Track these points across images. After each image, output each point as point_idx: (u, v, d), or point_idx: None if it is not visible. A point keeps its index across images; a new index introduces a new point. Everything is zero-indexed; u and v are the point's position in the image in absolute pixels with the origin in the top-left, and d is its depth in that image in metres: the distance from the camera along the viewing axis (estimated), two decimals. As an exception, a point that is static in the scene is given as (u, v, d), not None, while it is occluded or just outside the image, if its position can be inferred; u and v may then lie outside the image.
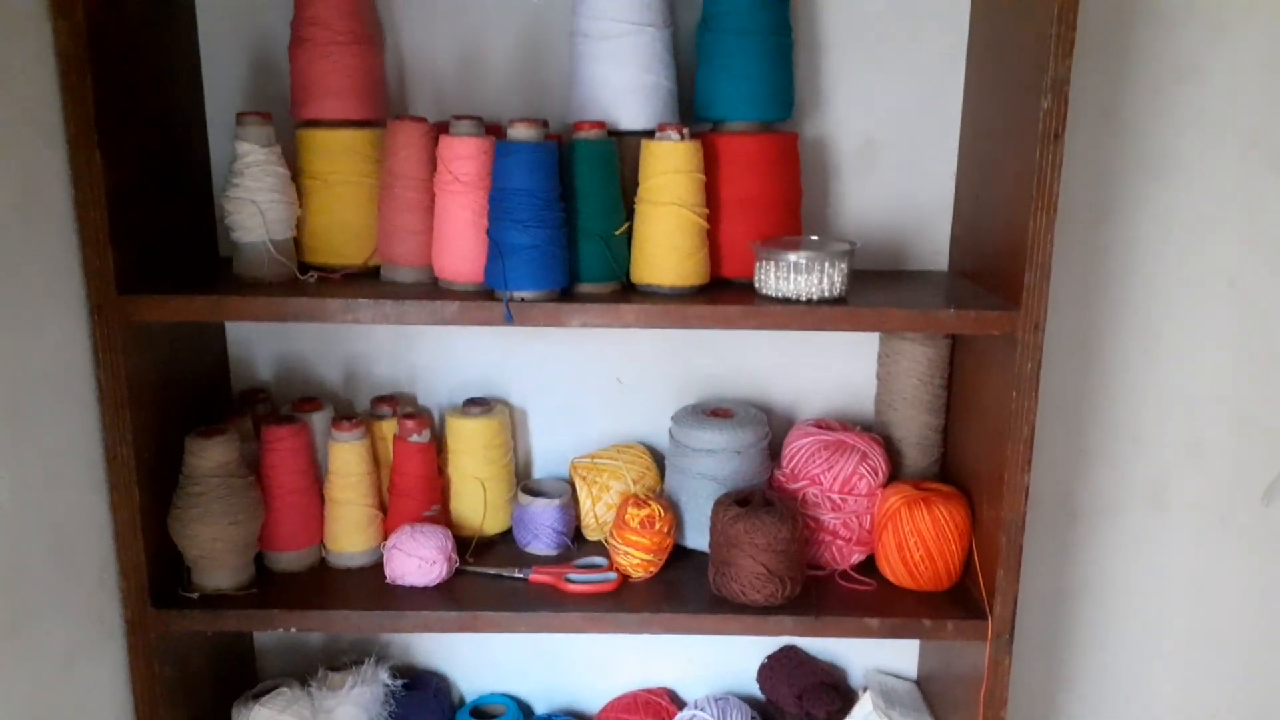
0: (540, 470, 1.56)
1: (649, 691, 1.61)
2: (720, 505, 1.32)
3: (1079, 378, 1.54)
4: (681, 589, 1.35)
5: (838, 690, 1.53)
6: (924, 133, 1.42)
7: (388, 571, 1.34)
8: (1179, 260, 1.49)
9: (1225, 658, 1.65)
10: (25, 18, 1.07)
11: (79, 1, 1.09)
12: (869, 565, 1.40)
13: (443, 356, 1.51)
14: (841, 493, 1.38)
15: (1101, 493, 1.59)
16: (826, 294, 1.22)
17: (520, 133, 1.18)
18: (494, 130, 1.26)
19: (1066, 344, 1.52)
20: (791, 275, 1.22)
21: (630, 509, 1.35)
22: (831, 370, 1.52)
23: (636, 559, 1.35)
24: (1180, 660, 1.66)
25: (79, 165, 1.13)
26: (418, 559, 1.32)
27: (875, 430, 1.47)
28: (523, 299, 1.19)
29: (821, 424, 1.45)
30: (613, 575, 1.35)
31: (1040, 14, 1.12)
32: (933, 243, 1.47)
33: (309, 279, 1.27)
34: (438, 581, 1.33)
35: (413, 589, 1.33)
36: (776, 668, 1.56)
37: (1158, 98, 1.43)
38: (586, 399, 1.53)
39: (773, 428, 1.47)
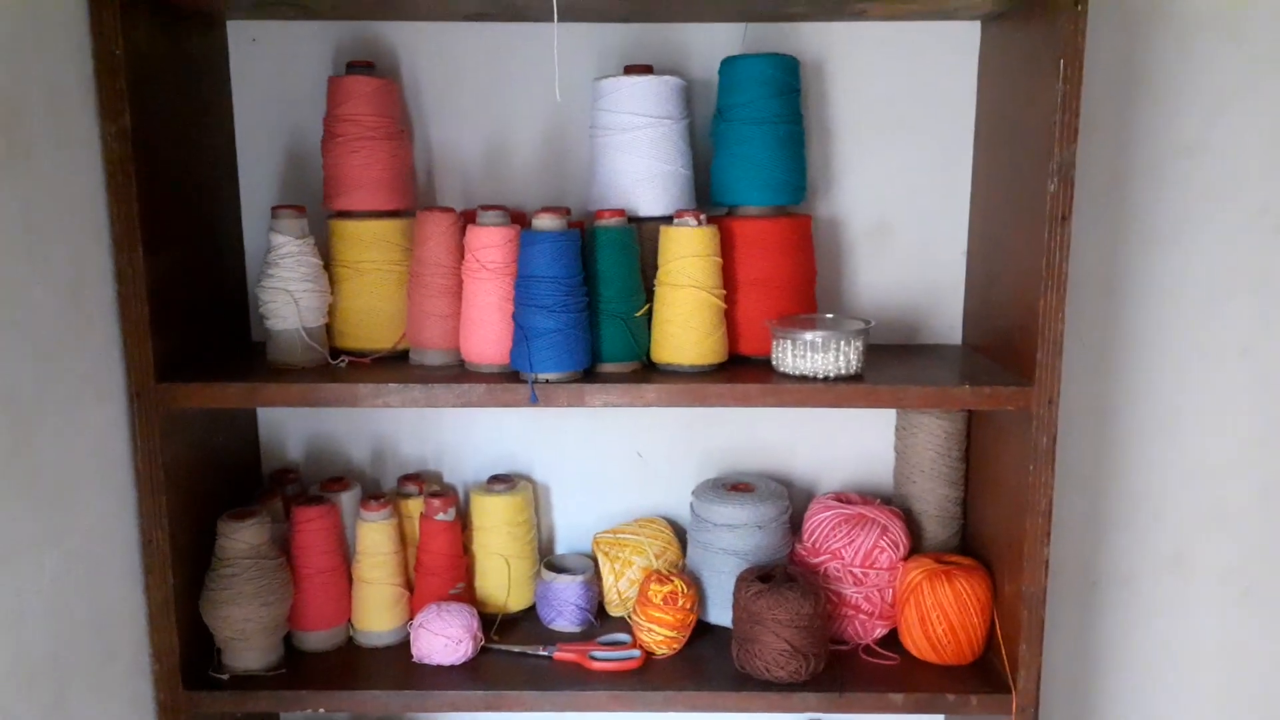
0: (563, 545, 1.58)
1: (674, 768, 1.60)
2: (743, 581, 1.33)
3: (1097, 447, 1.55)
4: (705, 666, 1.36)
5: (864, 766, 1.52)
6: (934, 212, 1.46)
7: (414, 650, 1.35)
8: (1192, 330, 1.51)
9: (1255, 729, 1.63)
10: (75, 122, 1.12)
11: (126, 105, 1.15)
12: (892, 639, 1.41)
13: (468, 434, 1.54)
14: (863, 566, 1.39)
15: (1123, 561, 1.59)
16: (843, 371, 1.25)
17: (545, 222, 1.23)
18: (518, 218, 1.30)
19: (1083, 414, 1.54)
20: (808, 353, 1.25)
21: (653, 585, 1.37)
22: (850, 443, 1.54)
23: (660, 635, 1.36)
24: (1209, 731, 1.64)
25: (123, 261, 1.18)
26: (444, 638, 1.33)
27: (895, 503, 1.49)
28: (547, 380, 1.23)
29: (841, 497, 1.46)
30: (636, 653, 1.36)
31: (1044, 100, 1.17)
32: (946, 317, 1.50)
33: (340, 364, 1.31)
34: (464, 660, 1.34)
35: (439, 668, 1.34)
36: (802, 744, 1.56)
37: (1163, 172, 1.47)
38: (609, 473, 1.55)
39: (793, 500, 1.49)
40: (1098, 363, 1.53)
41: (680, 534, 1.52)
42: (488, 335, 1.27)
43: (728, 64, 1.34)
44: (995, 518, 1.36)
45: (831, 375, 1.25)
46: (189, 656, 1.30)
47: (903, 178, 1.46)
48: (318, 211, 1.37)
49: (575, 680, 1.32)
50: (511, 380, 1.24)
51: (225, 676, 1.31)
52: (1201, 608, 1.60)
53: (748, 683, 1.31)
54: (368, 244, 1.33)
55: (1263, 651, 1.61)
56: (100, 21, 1.12)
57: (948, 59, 1.42)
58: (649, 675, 1.34)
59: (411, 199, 1.38)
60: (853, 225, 1.48)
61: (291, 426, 1.53)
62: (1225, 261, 1.49)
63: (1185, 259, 1.49)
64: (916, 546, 1.44)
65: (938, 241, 1.47)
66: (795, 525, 1.48)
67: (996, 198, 1.36)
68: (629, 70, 1.33)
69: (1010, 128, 1.30)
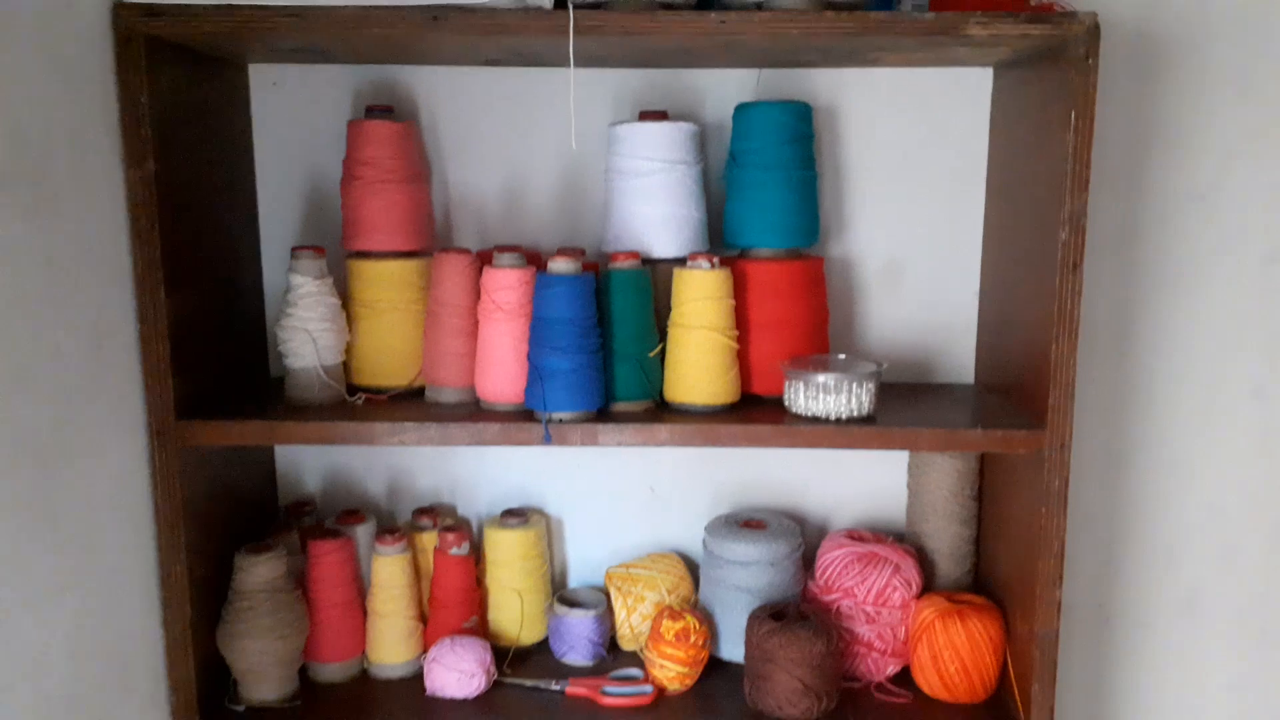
0: (576, 579, 1.59)
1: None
2: (755, 619, 1.34)
3: (1109, 488, 1.55)
4: (717, 703, 1.36)
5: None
6: (947, 253, 1.47)
7: (428, 684, 1.37)
8: (1203, 373, 1.51)
9: (1270, 769, 1.62)
10: (99, 169, 1.15)
11: (150, 152, 1.17)
12: (904, 677, 1.41)
13: (482, 468, 1.56)
14: (875, 605, 1.39)
15: (1136, 602, 1.59)
16: (855, 413, 1.26)
17: (560, 266, 1.24)
18: (534, 258, 1.32)
19: (1096, 455, 1.54)
20: (820, 395, 1.26)
21: (665, 621, 1.37)
22: (863, 480, 1.54)
23: (672, 672, 1.36)
24: (1224, 771, 1.63)
25: (144, 302, 1.20)
26: (457, 672, 1.35)
27: (908, 540, 1.49)
28: (560, 419, 1.24)
29: (854, 535, 1.47)
30: (648, 688, 1.37)
31: (1055, 150, 1.17)
32: (958, 357, 1.50)
33: (357, 400, 1.33)
34: (476, 694, 1.36)
35: (452, 701, 1.36)
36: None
37: (1174, 220, 1.47)
38: (622, 508, 1.56)
39: (806, 537, 1.49)
40: (1110, 404, 1.53)
41: (693, 569, 1.53)
42: (503, 374, 1.28)
43: (741, 110, 1.35)
44: (1008, 557, 1.36)
45: (844, 417, 1.25)
46: (205, 689, 1.31)
47: (915, 220, 1.47)
48: (336, 251, 1.40)
49: (587, 715, 1.33)
50: (526, 419, 1.25)
51: (241, 708, 1.33)
52: (1215, 650, 1.59)
53: (759, 721, 1.32)
54: (385, 284, 1.35)
55: (1276, 695, 1.60)
56: (126, 72, 1.15)
57: (960, 104, 1.43)
58: (661, 712, 1.34)
59: (429, 239, 1.40)
60: (865, 266, 1.49)
61: (308, 460, 1.55)
62: (1235, 306, 1.49)
63: (1196, 304, 1.50)
64: (929, 585, 1.45)
65: (950, 282, 1.48)
66: (808, 561, 1.48)
67: (1008, 242, 1.37)
68: (644, 116, 1.35)
69: (1021, 174, 1.31)
